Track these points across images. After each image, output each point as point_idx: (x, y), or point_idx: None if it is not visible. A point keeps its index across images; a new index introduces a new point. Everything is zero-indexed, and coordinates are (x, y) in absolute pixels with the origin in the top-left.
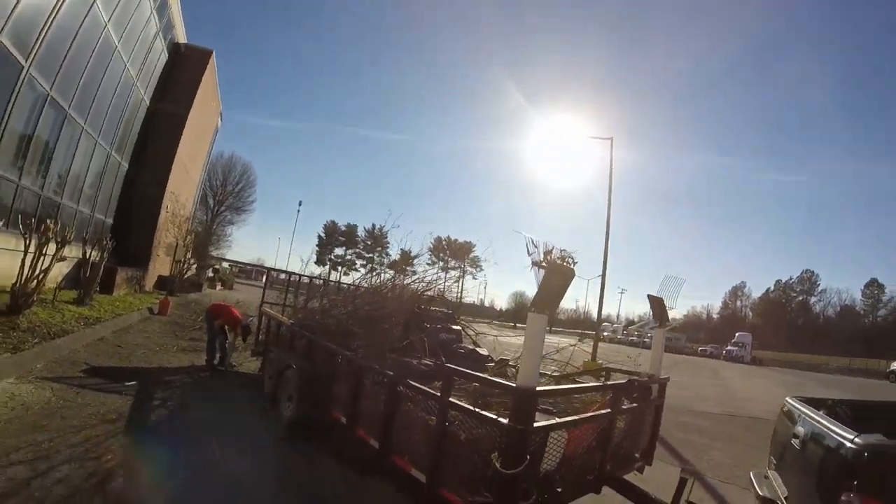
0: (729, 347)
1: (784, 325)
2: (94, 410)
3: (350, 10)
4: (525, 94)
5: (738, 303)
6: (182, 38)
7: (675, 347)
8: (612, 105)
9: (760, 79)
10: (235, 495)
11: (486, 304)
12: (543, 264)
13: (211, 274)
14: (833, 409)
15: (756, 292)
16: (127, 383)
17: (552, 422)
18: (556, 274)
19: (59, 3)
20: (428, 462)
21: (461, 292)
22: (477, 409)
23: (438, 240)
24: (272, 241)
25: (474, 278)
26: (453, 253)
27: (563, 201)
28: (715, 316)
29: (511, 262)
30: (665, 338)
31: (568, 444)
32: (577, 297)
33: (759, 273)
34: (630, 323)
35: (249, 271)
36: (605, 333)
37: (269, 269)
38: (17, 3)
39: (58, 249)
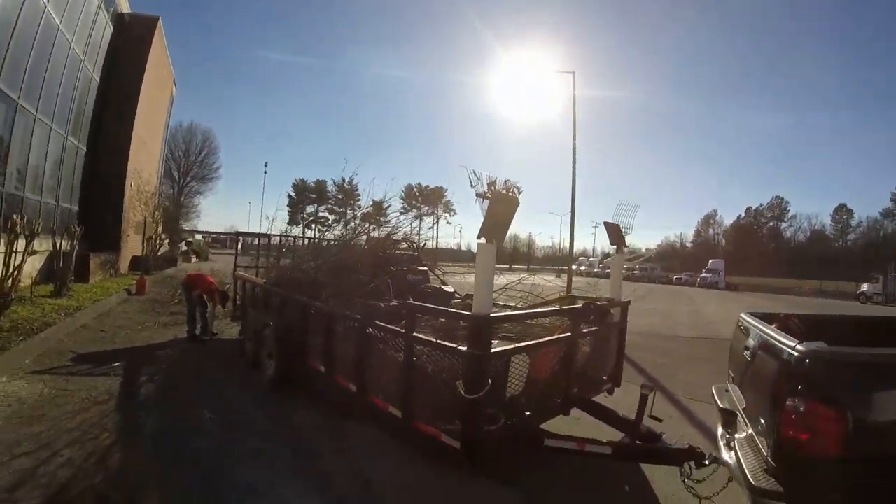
0: (703, 274)
1: (756, 251)
2: (85, 395)
3: None
4: (489, 26)
5: (711, 231)
6: (125, 7)
7: (650, 277)
8: (580, 41)
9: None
10: (226, 451)
11: (464, 248)
12: (488, 195)
13: (184, 247)
14: (784, 322)
15: (728, 220)
16: (114, 364)
17: (509, 347)
18: (501, 203)
19: None
20: (401, 398)
21: (436, 238)
22: (438, 341)
23: (409, 187)
24: (243, 207)
25: (448, 223)
26: (426, 199)
27: (529, 139)
28: (689, 245)
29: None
30: (635, 265)
31: (532, 369)
32: (552, 235)
33: (730, 202)
34: (606, 256)
35: (223, 240)
36: (582, 268)
37: (240, 234)
38: None
39: (28, 244)
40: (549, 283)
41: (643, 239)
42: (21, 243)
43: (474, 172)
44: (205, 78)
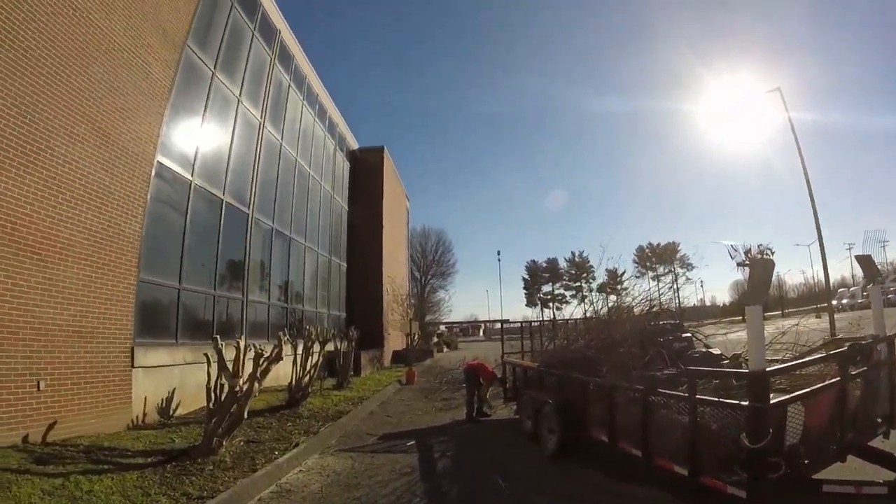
0: None
1: None
2: (390, 468)
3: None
4: (696, 52)
5: None
6: (354, 144)
7: None
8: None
9: None
10: None
11: (708, 302)
12: (746, 263)
13: (436, 339)
14: None
15: None
16: (407, 443)
17: (786, 397)
18: (759, 267)
19: (257, 157)
20: (687, 455)
21: (679, 298)
22: (722, 399)
23: (641, 249)
24: (481, 294)
25: (688, 279)
26: (659, 258)
27: (749, 165)
28: None
29: (719, 251)
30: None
31: (806, 417)
32: (803, 269)
33: None
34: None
35: (466, 329)
36: (844, 301)
37: (484, 322)
38: (228, 170)
39: (322, 348)
40: (811, 326)
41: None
42: (316, 347)
43: (732, 246)
44: (429, 185)
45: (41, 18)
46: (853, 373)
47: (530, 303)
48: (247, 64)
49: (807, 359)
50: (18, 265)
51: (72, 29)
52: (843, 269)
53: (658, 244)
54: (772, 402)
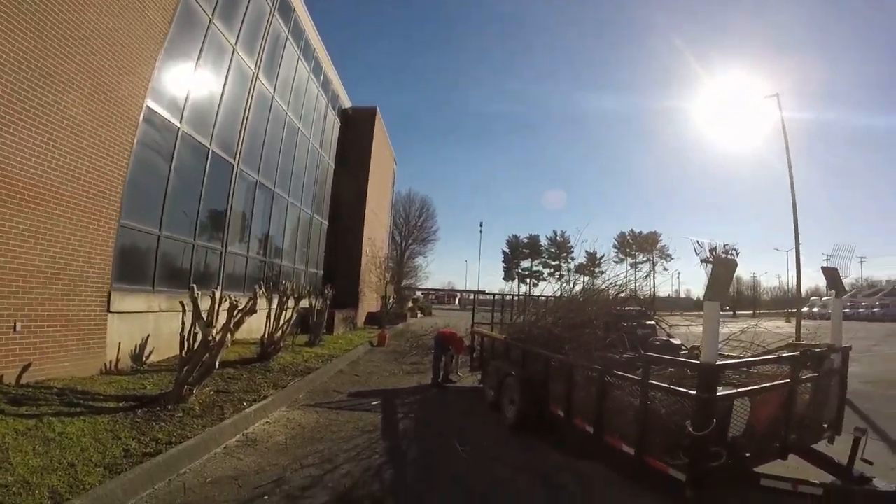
0: None
1: None
2: (354, 425)
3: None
4: (693, 50)
5: None
6: (347, 103)
7: None
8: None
9: None
10: (477, 475)
11: (682, 294)
12: (710, 260)
13: (411, 304)
14: None
15: None
16: (373, 402)
17: (732, 391)
18: (721, 266)
19: (248, 108)
20: (635, 436)
21: (654, 287)
22: (672, 386)
23: (622, 235)
24: (460, 264)
25: (665, 269)
26: (640, 246)
27: (741, 167)
28: None
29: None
30: (875, 300)
31: (752, 413)
32: (779, 273)
33: None
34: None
35: (442, 297)
36: (815, 309)
37: (460, 292)
38: (217, 118)
39: (296, 304)
40: (778, 329)
41: (883, 268)
42: (290, 303)
43: (698, 242)
44: (419, 148)
45: None
46: (803, 377)
47: (508, 277)
48: (245, 13)
49: (758, 358)
50: (6, 210)
51: None
52: (818, 278)
53: (640, 232)
54: (718, 394)
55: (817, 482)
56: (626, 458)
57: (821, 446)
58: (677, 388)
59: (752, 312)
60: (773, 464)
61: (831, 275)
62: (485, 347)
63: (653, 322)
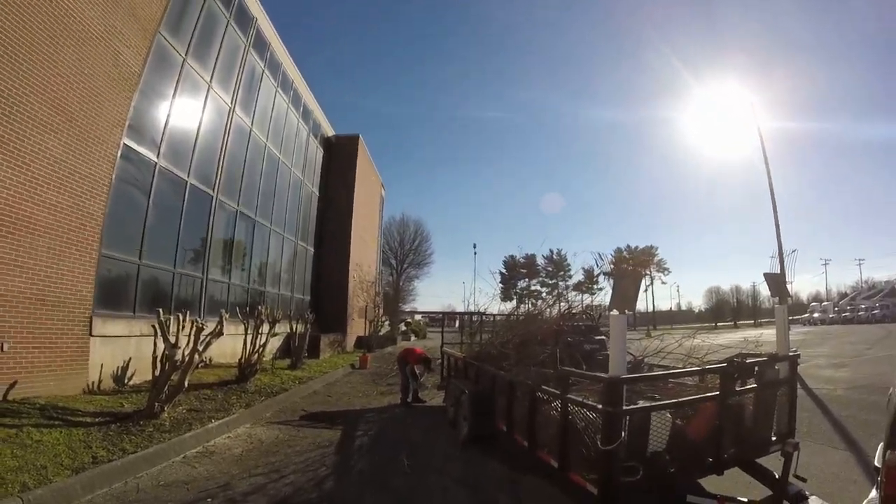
0: None
1: None
2: (311, 441)
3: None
4: (681, 59)
5: None
6: (330, 131)
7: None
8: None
9: None
10: (416, 487)
11: (684, 307)
12: (612, 273)
13: (403, 328)
14: None
15: None
16: (337, 421)
17: (645, 405)
18: (626, 278)
19: (225, 141)
20: (557, 451)
21: (652, 300)
22: (583, 400)
23: (619, 251)
24: (458, 286)
25: (664, 283)
26: (637, 261)
27: (733, 175)
28: None
29: (701, 254)
30: (875, 302)
31: (678, 428)
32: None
33: None
34: (843, 297)
35: (440, 319)
36: (815, 315)
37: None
38: (194, 152)
39: (271, 328)
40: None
41: (880, 270)
42: (265, 327)
43: (599, 255)
44: (412, 173)
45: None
46: (739, 389)
47: (506, 297)
48: (220, 51)
49: (675, 371)
50: None
51: (44, 14)
52: (818, 283)
53: (637, 247)
54: (626, 407)
55: (745, 500)
56: (554, 471)
57: (773, 458)
58: (588, 402)
59: (752, 322)
60: (725, 478)
61: (774, 281)
62: (450, 367)
63: (602, 337)
